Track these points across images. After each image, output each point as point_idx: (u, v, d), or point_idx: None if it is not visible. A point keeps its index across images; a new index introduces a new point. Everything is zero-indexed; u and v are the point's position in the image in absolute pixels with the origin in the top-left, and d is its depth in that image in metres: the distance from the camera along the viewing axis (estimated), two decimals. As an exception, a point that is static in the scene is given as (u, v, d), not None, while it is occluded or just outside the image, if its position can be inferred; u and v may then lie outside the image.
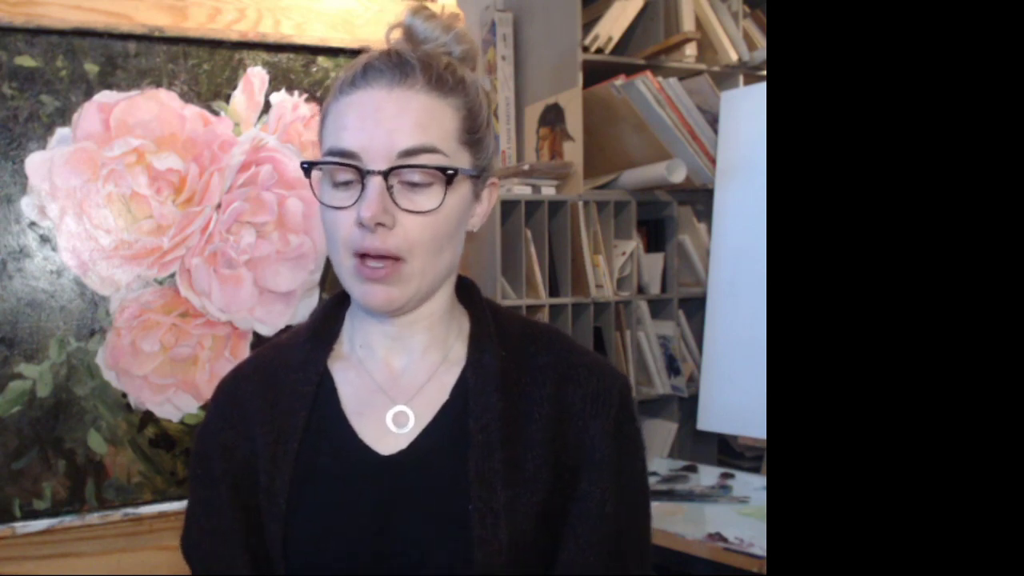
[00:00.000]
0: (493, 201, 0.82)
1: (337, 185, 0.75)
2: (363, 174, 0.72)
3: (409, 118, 0.73)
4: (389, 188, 0.72)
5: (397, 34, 0.80)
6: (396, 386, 0.80)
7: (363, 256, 0.73)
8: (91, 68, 1.20)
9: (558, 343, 0.82)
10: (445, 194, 0.74)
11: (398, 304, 0.76)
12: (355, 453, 0.77)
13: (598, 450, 0.77)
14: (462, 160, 0.76)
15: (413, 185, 0.73)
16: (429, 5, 1.41)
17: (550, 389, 0.78)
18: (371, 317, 0.81)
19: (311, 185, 0.78)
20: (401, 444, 0.77)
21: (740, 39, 2.35)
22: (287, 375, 0.82)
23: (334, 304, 0.87)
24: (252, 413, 0.81)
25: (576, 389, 0.78)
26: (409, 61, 0.75)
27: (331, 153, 0.74)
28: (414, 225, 0.73)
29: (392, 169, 0.72)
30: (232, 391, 0.84)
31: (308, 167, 0.76)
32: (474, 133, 0.78)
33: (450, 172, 0.74)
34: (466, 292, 0.85)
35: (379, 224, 0.72)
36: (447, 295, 0.82)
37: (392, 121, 0.73)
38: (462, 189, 0.76)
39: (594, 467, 0.76)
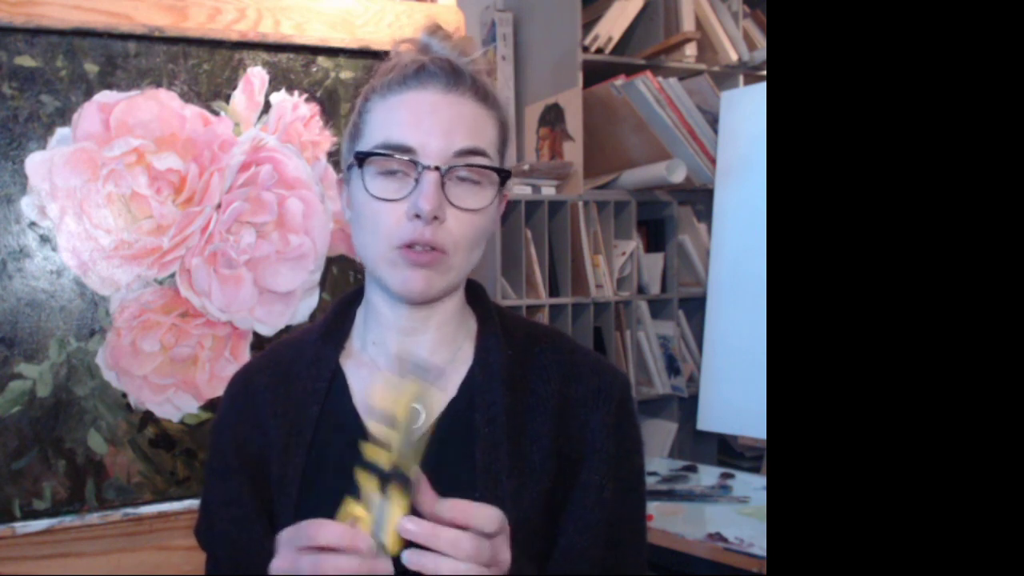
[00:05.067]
0: (503, 210, 0.86)
1: (386, 178, 0.77)
2: (419, 168, 0.75)
3: (464, 121, 0.77)
4: (443, 184, 0.75)
5: (408, 47, 0.83)
6: None
7: (407, 247, 0.76)
8: (91, 68, 1.20)
9: (561, 343, 0.85)
10: (496, 194, 0.79)
11: (435, 292, 0.78)
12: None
13: (598, 441, 0.80)
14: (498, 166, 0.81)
15: (463, 184, 0.77)
16: (424, 6, 1.41)
17: (554, 386, 0.81)
18: (388, 311, 0.82)
19: (362, 176, 0.78)
20: None
21: (740, 39, 2.35)
22: (299, 371, 0.84)
23: (346, 303, 0.89)
24: (264, 407, 0.83)
25: (578, 385, 0.81)
26: (461, 70, 0.79)
27: (387, 146, 0.76)
28: (461, 222, 0.77)
29: (452, 167, 0.76)
30: (244, 385, 0.87)
31: (363, 157, 0.78)
32: (504, 145, 0.83)
33: (504, 174, 0.79)
34: (474, 294, 0.88)
35: (435, 217, 0.74)
36: (459, 294, 0.85)
37: (449, 122, 0.76)
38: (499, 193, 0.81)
39: (594, 457, 0.79)
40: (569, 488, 0.78)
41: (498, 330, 0.84)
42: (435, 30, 0.82)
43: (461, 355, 0.83)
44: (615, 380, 0.83)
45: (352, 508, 0.65)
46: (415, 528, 0.62)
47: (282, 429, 0.81)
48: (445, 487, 0.77)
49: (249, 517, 0.80)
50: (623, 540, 0.80)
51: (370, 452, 0.64)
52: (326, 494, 0.77)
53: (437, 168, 0.75)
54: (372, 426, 0.65)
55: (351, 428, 0.80)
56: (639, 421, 0.86)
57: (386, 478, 0.64)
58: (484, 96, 0.79)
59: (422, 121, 0.76)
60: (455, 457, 0.77)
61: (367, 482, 0.64)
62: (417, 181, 0.75)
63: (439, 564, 0.62)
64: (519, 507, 0.74)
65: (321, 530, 0.64)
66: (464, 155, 0.76)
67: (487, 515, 0.63)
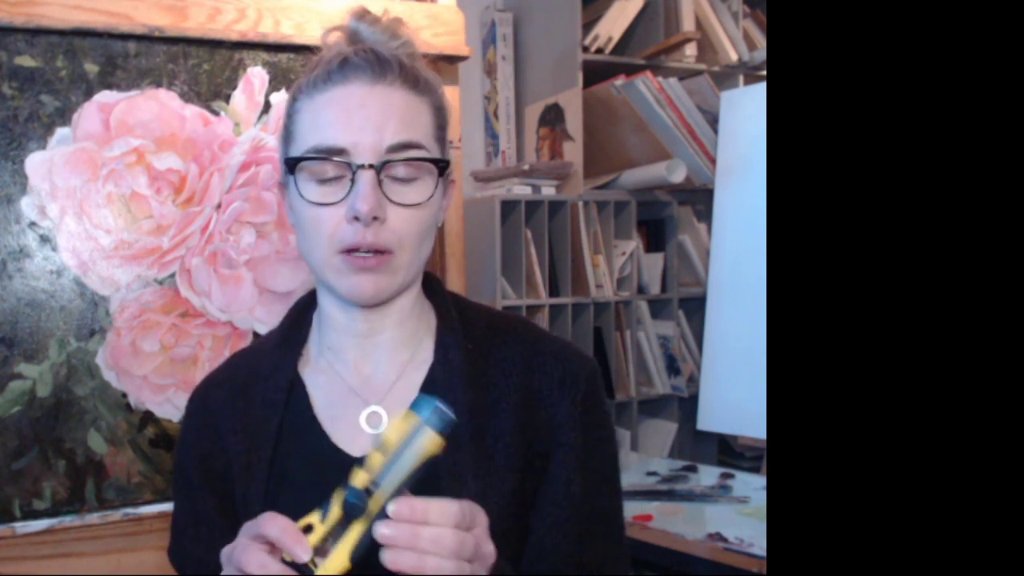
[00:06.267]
0: (452, 198, 0.83)
1: (321, 182, 0.74)
2: (354, 169, 0.72)
3: (394, 114, 0.74)
4: (379, 182, 0.73)
5: (337, 37, 0.79)
6: (367, 387, 0.80)
7: (350, 251, 0.73)
8: (91, 68, 1.20)
9: (524, 332, 0.82)
10: (436, 186, 0.76)
11: (386, 295, 0.76)
12: (328, 457, 0.77)
13: (564, 434, 0.77)
14: (436, 156, 0.77)
15: (401, 179, 0.74)
16: (424, 6, 1.41)
17: (517, 379, 0.78)
18: (342, 315, 0.80)
19: (295, 183, 0.75)
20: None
21: (740, 39, 2.36)
22: (257, 383, 0.81)
23: (300, 308, 0.87)
24: (223, 423, 0.81)
25: (543, 376, 0.79)
26: (387, 58, 0.75)
27: (317, 150, 0.73)
28: (403, 218, 0.74)
29: (385, 163, 0.73)
30: (203, 401, 0.84)
31: (295, 163, 0.75)
32: (443, 130, 0.79)
33: (442, 164, 0.76)
34: (430, 287, 0.85)
35: (374, 218, 0.72)
36: (415, 290, 0.82)
37: (378, 116, 0.73)
38: (440, 183, 0.78)
39: (561, 450, 0.77)
40: (538, 484, 0.76)
41: (457, 324, 0.81)
42: (363, 15, 0.78)
43: (421, 353, 0.81)
44: (580, 367, 0.80)
45: (311, 516, 0.64)
46: (391, 532, 0.60)
47: (242, 446, 0.79)
48: (410, 491, 0.75)
49: (218, 537, 0.77)
50: (597, 534, 0.78)
51: (354, 473, 0.62)
52: (291, 508, 0.73)
53: (372, 166, 0.72)
54: (367, 450, 0.63)
55: (313, 438, 0.78)
56: (609, 408, 0.84)
57: (352, 499, 0.62)
58: (415, 82, 0.76)
59: (351, 118, 0.73)
60: None
61: (336, 497, 0.63)
62: (353, 182, 0.72)
63: (423, 562, 0.59)
64: (486, 508, 0.71)
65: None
66: (398, 150, 0.73)
67: (456, 510, 0.61)
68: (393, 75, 0.75)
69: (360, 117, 0.73)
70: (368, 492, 0.61)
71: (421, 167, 0.75)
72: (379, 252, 0.73)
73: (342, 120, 0.73)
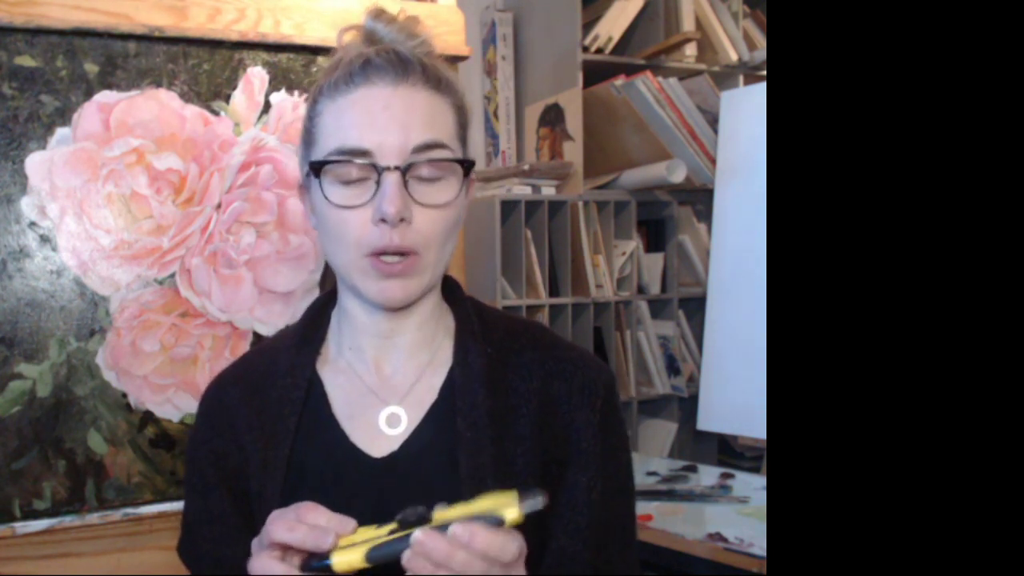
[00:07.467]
0: (471, 195, 0.83)
1: (346, 184, 0.74)
2: (379, 171, 0.72)
3: (418, 114, 0.74)
4: (405, 183, 0.73)
5: (353, 36, 0.79)
6: (386, 388, 0.80)
7: (378, 254, 0.73)
8: (91, 68, 1.20)
9: (543, 339, 0.83)
10: (461, 186, 0.76)
11: (414, 297, 0.76)
12: (347, 457, 0.77)
13: (584, 440, 0.78)
14: (460, 155, 0.78)
15: (426, 180, 0.74)
16: (424, 6, 1.41)
17: (536, 384, 0.79)
18: (365, 316, 0.80)
19: (320, 186, 0.75)
20: (392, 446, 0.77)
21: (740, 39, 2.36)
22: (275, 381, 0.81)
23: (319, 307, 0.86)
24: (239, 420, 0.81)
25: (562, 383, 0.79)
26: (409, 59, 0.75)
27: (341, 152, 0.73)
28: (429, 219, 0.74)
29: (412, 164, 0.73)
30: (218, 398, 0.84)
31: (319, 166, 0.74)
32: (464, 129, 0.79)
33: (467, 164, 0.76)
34: (449, 290, 0.86)
35: (401, 219, 0.72)
36: (436, 292, 0.82)
37: (403, 117, 0.73)
38: (464, 183, 0.78)
39: (580, 457, 0.77)
40: (556, 489, 0.77)
41: (476, 328, 0.81)
42: (379, 14, 0.78)
43: (440, 356, 0.81)
44: (599, 376, 0.80)
45: (371, 527, 0.64)
46: (430, 543, 0.60)
47: (259, 443, 0.79)
48: (429, 494, 0.74)
49: (232, 534, 0.78)
50: (613, 539, 0.79)
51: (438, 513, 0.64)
52: None
53: (397, 168, 0.72)
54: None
55: (331, 437, 0.78)
56: (624, 417, 0.84)
57: (410, 515, 0.63)
58: (436, 83, 0.76)
59: (375, 120, 0.73)
60: (438, 463, 0.76)
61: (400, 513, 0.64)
62: (378, 184, 0.72)
63: None
64: None
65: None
66: (423, 150, 0.73)
67: (515, 551, 0.62)
68: (416, 75, 0.74)
69: (384, 118, 0.72)
70: (429, 516, 0.63)
71: (446, 167, 0.75)
72: (405, 254, 0.73)
73: (366, 121, 0.73)
